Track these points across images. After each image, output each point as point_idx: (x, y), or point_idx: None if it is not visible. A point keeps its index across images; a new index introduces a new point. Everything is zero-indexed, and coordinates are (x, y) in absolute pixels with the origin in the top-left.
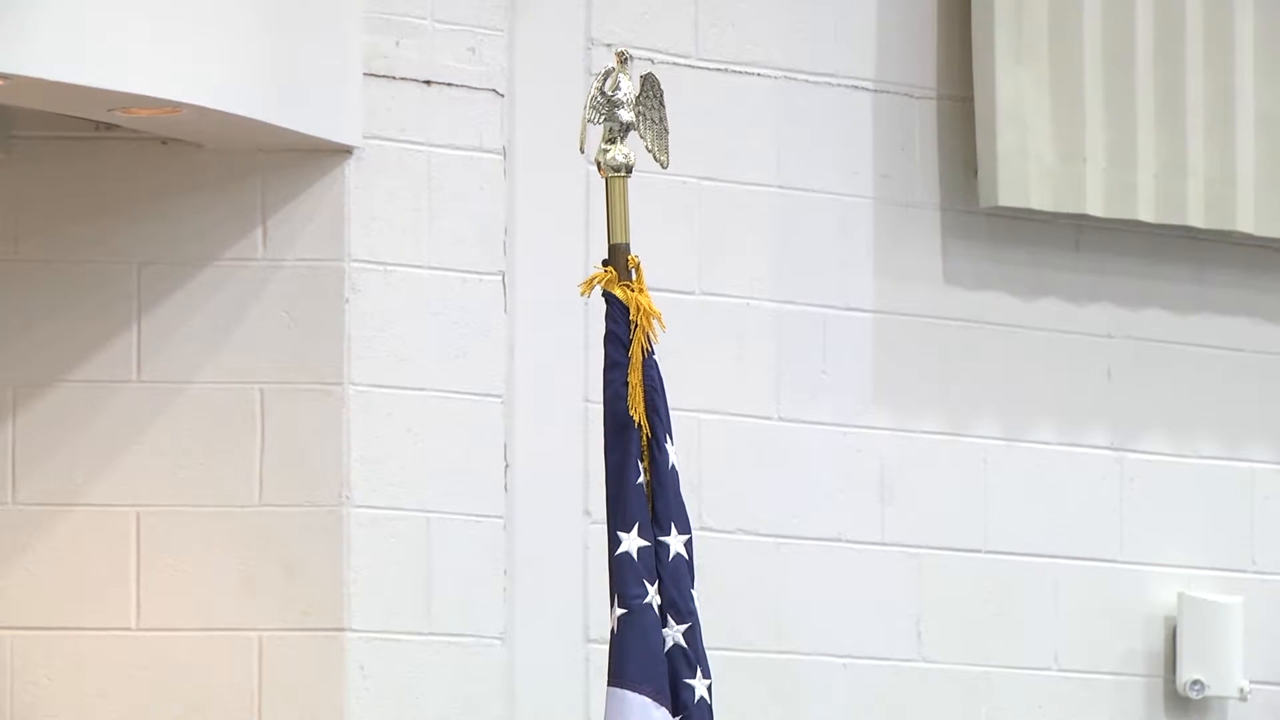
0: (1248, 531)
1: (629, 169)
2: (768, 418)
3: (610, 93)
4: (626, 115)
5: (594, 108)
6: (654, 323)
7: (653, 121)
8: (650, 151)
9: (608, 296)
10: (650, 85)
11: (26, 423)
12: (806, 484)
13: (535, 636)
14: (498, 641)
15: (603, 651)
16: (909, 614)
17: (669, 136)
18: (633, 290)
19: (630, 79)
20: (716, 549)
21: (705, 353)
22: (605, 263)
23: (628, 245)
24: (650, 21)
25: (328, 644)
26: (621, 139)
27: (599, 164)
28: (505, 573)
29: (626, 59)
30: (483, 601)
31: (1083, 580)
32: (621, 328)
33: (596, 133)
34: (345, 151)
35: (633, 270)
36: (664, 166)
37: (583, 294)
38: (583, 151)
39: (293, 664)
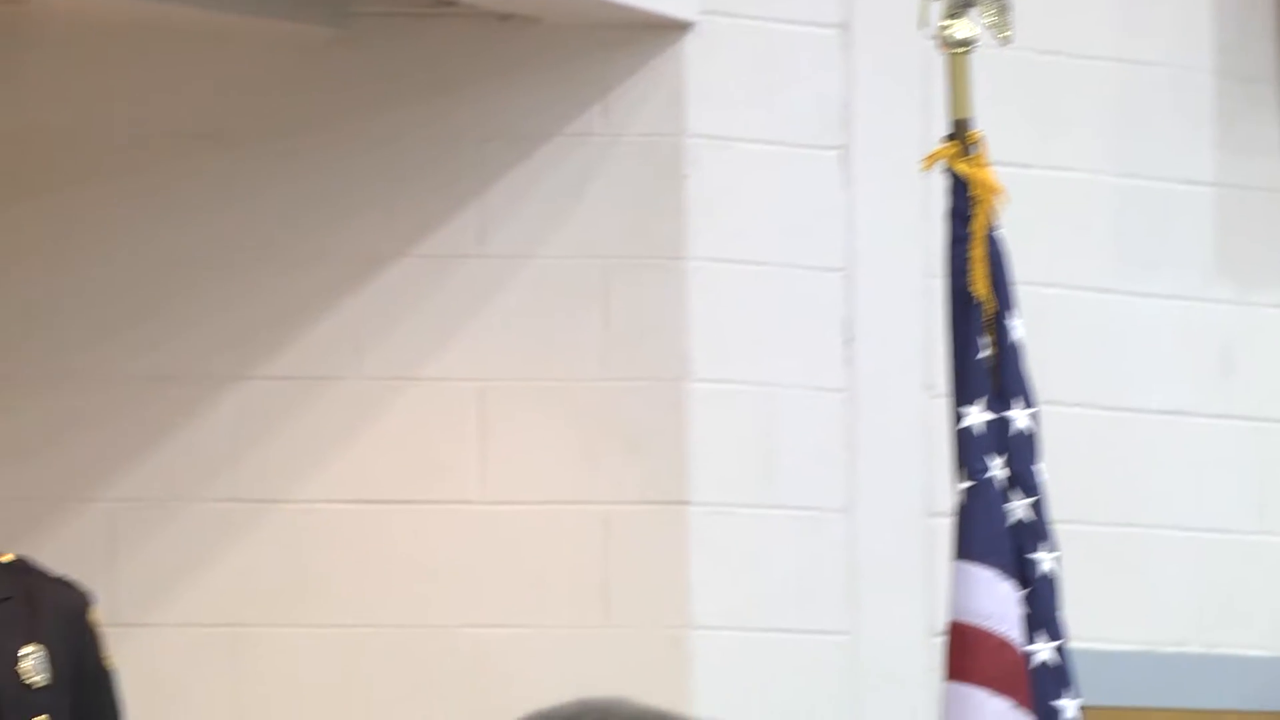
0: None
1: (972, 44)
2: (1109, 290)
3: None
4: None
5: None
6: (996, 198)
7: None
8: (992, 27)
9: (949, 172)
10: None
11: (371, 296)
12: (1147, 357)
13: (877, 509)
14: (840, 514)
15: (944, 525)
16: (1251, 486)
17: (1011, 11)
18: (975, 166)
19: None
20: (1057, 423)
21: (1045, 227)
22: (948, 138)
23: (970, 121)
24: None
25: (671, 517)
26: (964, 14)
27: (941, 40)
28: (847, 446)
29: None
30: (824, 475)
31: None
32: (963, 203)
33: (937, 8)
34: (684, 26)
35: (975, 146)
36: (1006, 43)
37: (925, 169)
38: (923, 27)
39: (636, 537)
